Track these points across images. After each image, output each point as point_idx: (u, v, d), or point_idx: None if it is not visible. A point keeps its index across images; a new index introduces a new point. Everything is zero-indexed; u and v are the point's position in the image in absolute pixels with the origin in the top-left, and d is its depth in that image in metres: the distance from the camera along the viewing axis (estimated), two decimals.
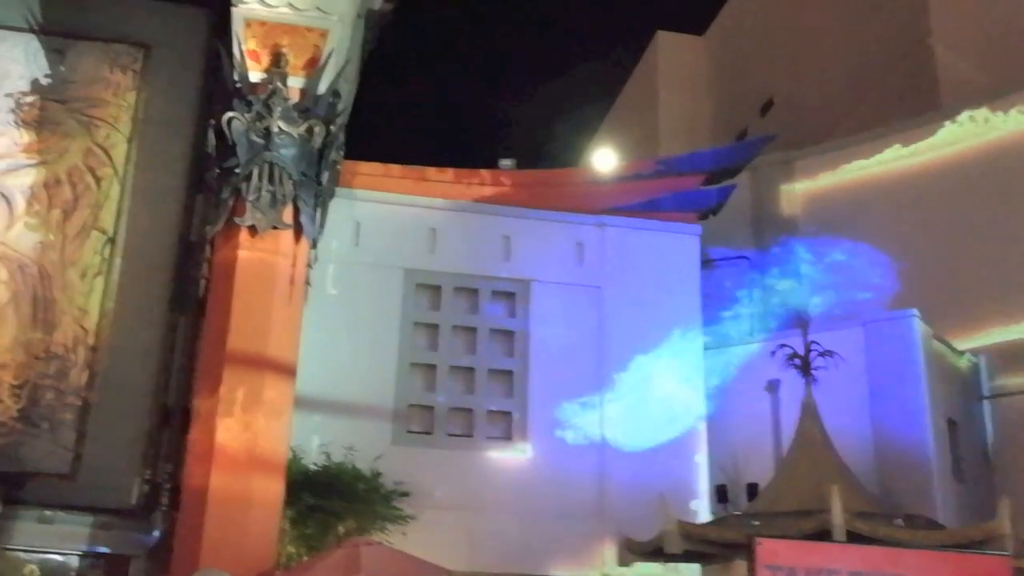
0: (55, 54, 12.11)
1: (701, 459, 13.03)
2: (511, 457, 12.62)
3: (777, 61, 23.71)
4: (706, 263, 14.67)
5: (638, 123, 27.25)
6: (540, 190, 13.89)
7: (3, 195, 11.50)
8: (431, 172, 13.71)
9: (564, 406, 12.84)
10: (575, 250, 13.58)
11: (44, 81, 12.02)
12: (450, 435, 12.64)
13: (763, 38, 24.37)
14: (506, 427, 12.80)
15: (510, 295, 13.29)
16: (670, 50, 27.14)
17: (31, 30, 12.11)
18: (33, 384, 10.94)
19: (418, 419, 12.62)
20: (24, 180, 11.60)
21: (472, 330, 13.11)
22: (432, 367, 12.83)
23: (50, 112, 11.91)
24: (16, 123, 11.79)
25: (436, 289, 13.13)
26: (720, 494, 13.28)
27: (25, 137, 11.76)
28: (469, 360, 12.97)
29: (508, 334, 13.18)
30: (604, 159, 15.79)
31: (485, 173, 13.96)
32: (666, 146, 23.87)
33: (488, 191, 13.65)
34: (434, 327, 13.01)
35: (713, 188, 14.53)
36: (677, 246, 13.91)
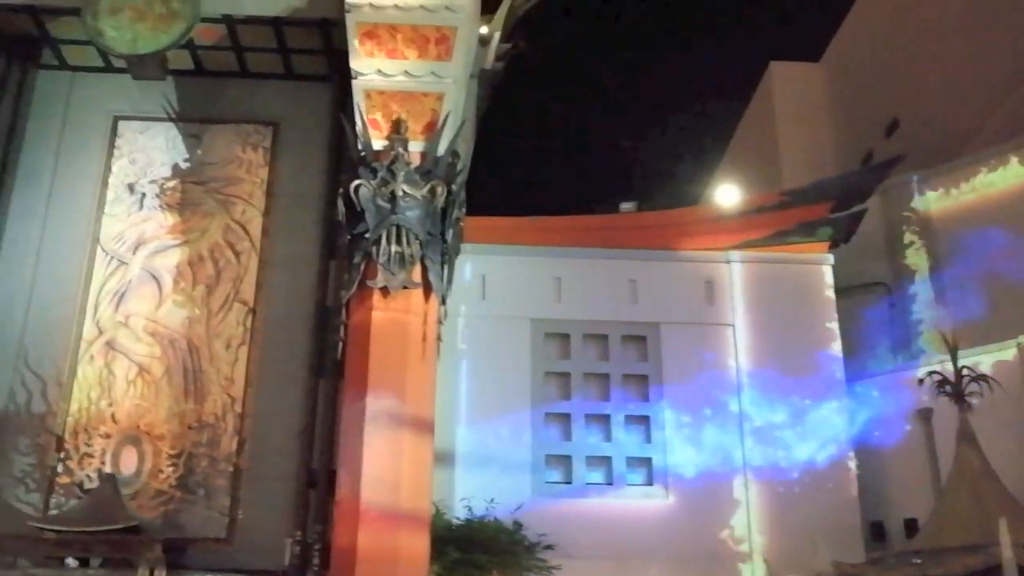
0: (192, 139, 12.84)
1: (851, 494, 12.53)
2: (653, 503, 12.43)
3: (900, 81, 23.02)
4: (841, 291, 14.22)
5: (758, 156, 26.85)
6: (664, 231, 13.82)
7: (152, 275, 12.17)
8: (552, 221, 13.85)
9: (704, 447, 12.59)
10: (704, 289, 13.41)
11: (183, 165, 12.74)
12: (589, 484, 12.56)
13: (884, 59, 23.72)
14: (646, 473, 12.64)
15: (640, 339, 13.21)
16: (785, 79, 26.74)
17: (170, 119, 12.88)
18: (188, 453, 11.43)
19: (556, 469, 12.61)
20: (170, 260, 12.26)
21: (604, 376, 13.06)
22: (567, 416, 12.83)
23: (190, 194, 12.59)
24: (161, 207, 12.52)
25: (565, 337, 13.16)
26: (875, 531, 12.71)
27: (169, 219, 12.46)
28: (603, 407, 12.90)
29: (641, 378, 13.08)
30: (727, 195, 15.61)
31: (607, 218, 14.01)
32: (789, 176, 23.40)
33: (611, 235, 13.66)
34: (566, 375, 13.02)
35: (843, 214, 14.12)
36: (810, 277, 13.58)
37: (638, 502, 12.41)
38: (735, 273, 13.45)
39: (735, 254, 13.52)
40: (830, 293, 13.54)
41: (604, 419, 12.83)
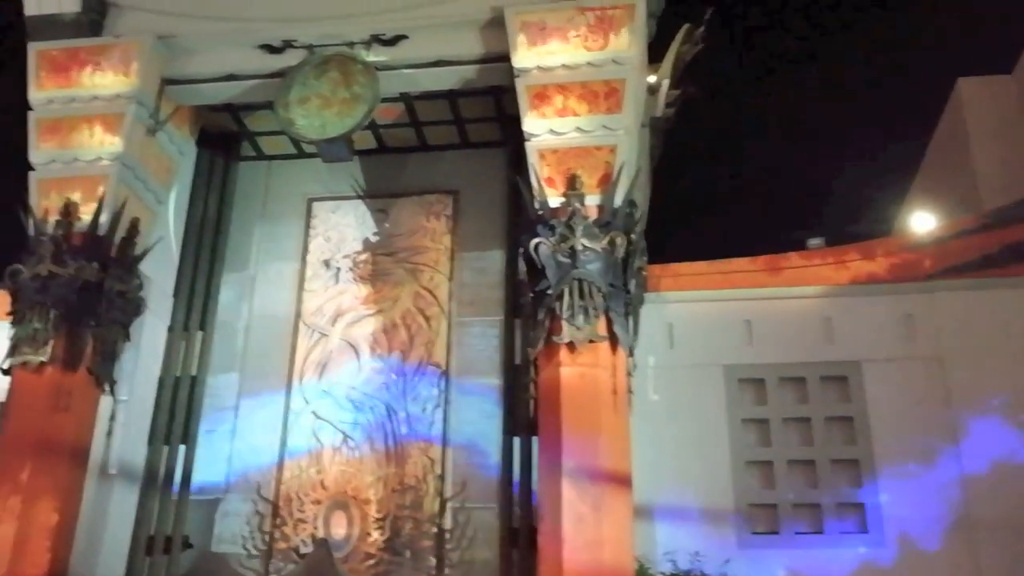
0: (379, 213, 13.48)
1: None
2: (868, 551, 11.72)
3: None
4: None
5: (952, 178, 25.33)
6: (857, 265, 13.22)
7: (351, 345, 12.76)
8: (738, 263, 13.51)
9: (920, 490, 11.80)
10: (905, 322, 12.68)
11: (373, 239, 13.37)
12: (798, 534, 11.99)
13: None
14: (859, 519, 11.95)
15: (840, 379, 12.59)
16: (975, 95, 25.16)
17: (358, 196, 13.59)
18: (393, 516, 11.79)
19: (762, 519, 12.13)
20: (366, 329, 12.83)
21: (805, 420, 12.52)
22: (768, 463, 12.35)
23: (381, 265, 13.18)
24: (355, 279, 13.17)
25: (759, 383, 12.73)
26: None
27: (363, 291, 13.07)
28: (807, 452, 12.35)
29: (845, 420, 12.44)
30: (922, 221, 14.80)
31: (795, 256, 13.54)
32: (988, 197, 21.86)
33: (801, 274, 13.19)
34: (764, 422, 12.57)
35: None
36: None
37: (853, 551, 11.73)
38: (938, 303, 12.66)
39: (937, 283, 12.75)
40: None
41: (809, 465, 12.26)
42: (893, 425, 12.21)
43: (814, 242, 14.33)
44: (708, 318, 12.91)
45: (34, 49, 12.02)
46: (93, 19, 12.08)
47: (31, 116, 11.87)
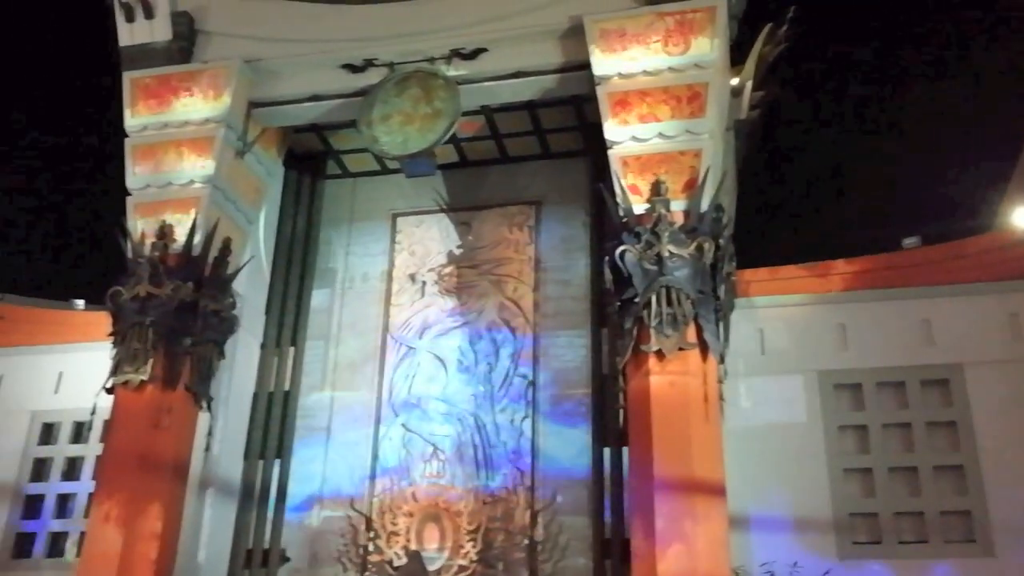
0: (463, 226, 13.56)
1: None
2: (976, 561, 11.25)
3: None
4: None
5: None
6: (956, 264, 12.73)
7: (439, 358, 12.84)
8: (830, 266, 13.15)
9: None
10: (1010, 322, 12.17)
11: (457, 252, 13.45)
12: (902, 543, 11.58)
13: None
14: (965, 528, 11.49)
15: (942, 382, 12.13)
16: None
17: (441, 210, 13.69)
18: (485, 528, 11.79)
19: (863, 528, 11.75)
20: (453, 341, 12.90)
21: (906, 426, 12.09)
22: (868, 471, 11.95)
23: (466, 278, 13.25)
24: (440, 292, 13.27)
25: (856, 388, 12.35)
26: None
27: (449, 303, 13.15)
28: (908, 459, 11.93)
29: (948, 425, 11.98)
30: None
31: (890, 256, 13.12)
32: None
33: (897, 275, 12.77)
34: (862, 428, 12.19)
35: None
36: None
37: (960, 560, 11.27)
38: None
39: None
40: None
41: (911, 472, 11.84)
42: (999, 429, 11.71)
43: (909, 241, 13.85)
44: (801, 323, 12.59)
45: (129, 78, 12.45)
46: (183, 46, 12.45)
47: (127, 143, 12.29)
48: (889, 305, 12.52)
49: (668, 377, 10.15)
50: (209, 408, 11.67)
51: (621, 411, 10.81)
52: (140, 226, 11.93)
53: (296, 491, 12.40)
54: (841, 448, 12.12)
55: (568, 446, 11.90)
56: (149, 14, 12.40)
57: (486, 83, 11.89)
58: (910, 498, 11.77)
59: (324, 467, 12.57)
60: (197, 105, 12.19)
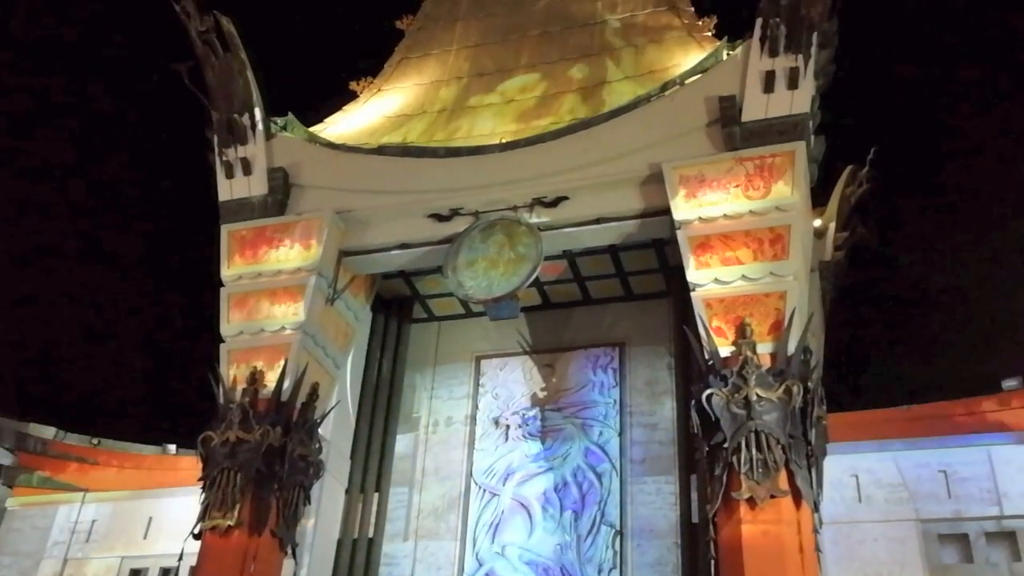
0: (546, 368, 13.56)
1: None
2: None
3: None
4: None
5: None
6: None
7: (523, 505, 12.62)
8: (929, 409, 12.67)
9: None
10: None
11: (541, 394, 13.40)
12: None
13: None
14: None
15: None
16: None
17: (525, 352, 13.74)
18: None
19: None
20: (537, 488, 12.69)
21: None
22: None
23: (550, 421, 13.15)
24: (524, 436, 13.16)
25: (962, 538, 11.65)
26: None
27: (533, 448, 13.02)
28: None
29: None
30: None
31: (991, 399, 12.57)
32: None
33: (1000, 418, 12.21)
34: None
35: None
36: None
37: None
38: None
39: None
40: None
41: None
42: None
43: (1009, 383, 13.28)
44: (899, 468, 12.04)
45: (227, 230, 12.99)
46: (278, 199, 13.00)
47: (223, 292, 12.72)
48: (995, 450, 11.87)
49: (761, 526, 9.76)
50: (294, 555, 11.61)
51: (712, 562, 10.37)
52: (232, 372, 12.21)
53: None
54: None
55: None
56: (248, 171, 13.04)
57: (568, 229, 12.10)
58: None
59: None
60: (290, 255, 12.63)
